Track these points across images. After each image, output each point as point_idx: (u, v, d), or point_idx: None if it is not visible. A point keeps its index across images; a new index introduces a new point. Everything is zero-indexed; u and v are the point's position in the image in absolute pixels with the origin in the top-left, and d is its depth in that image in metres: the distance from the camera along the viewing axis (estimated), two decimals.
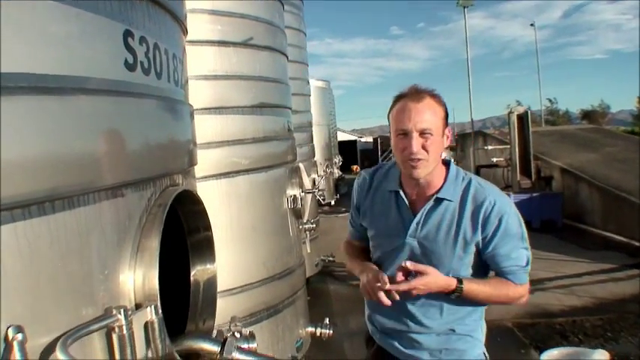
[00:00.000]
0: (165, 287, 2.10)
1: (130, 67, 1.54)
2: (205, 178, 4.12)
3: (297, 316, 5.10)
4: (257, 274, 4.50)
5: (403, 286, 2.48)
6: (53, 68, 1.28)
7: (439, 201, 2.69)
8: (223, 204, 4.26)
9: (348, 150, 36.77)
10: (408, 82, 2.64)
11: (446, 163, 2.79)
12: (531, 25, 44.09)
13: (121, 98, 1.50)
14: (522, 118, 15.51)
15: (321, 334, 5.37)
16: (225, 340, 1.88)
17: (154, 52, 1.69)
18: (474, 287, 2.61)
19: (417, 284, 2.50)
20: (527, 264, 2.68)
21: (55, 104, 1.28)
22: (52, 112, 1.26)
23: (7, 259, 1.16)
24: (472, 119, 24.53)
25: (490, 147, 19.55)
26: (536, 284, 9.28)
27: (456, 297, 2.59)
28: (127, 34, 1.53)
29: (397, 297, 2.55)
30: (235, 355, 1.85)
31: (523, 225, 2.71)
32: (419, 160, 2.57)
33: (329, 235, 11.70)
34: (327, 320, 5.44)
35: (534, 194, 14.57)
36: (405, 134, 2.58)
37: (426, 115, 2.56)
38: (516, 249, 2.66)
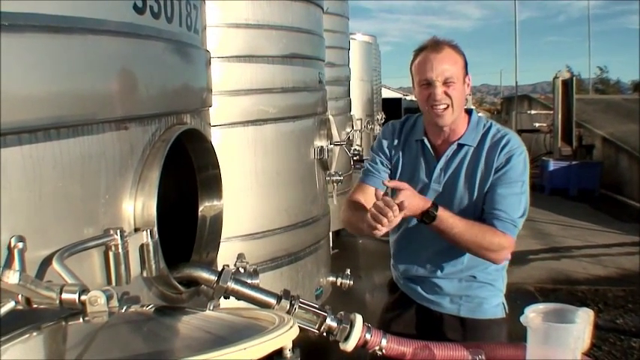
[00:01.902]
0: (179, 222, 2.26)
1: (139, 10, 1.65)
2: (232, 124, 4.24)
3: (319, 264, 5.21)
4: (279, 220, 4.61)
5: (389, 200, 2.51)
6: (63, 9, 1.40)
7: (460, 147, 2.84)
8: (249, 151, 4.36)
9: (392, 107, 36.45)
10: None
11: (468, 112, 2.92)
12: None
13: (127, 39, 1.62)
14: (567, 84, 15.26)
15: (341, 284, 5.50)
16: (222, 270, 2.02)
17: None
18: (448, 216, 2.63)
19: (400, 198, 2.51)
20: (520, 216, 2.72)
21: (63, 42, 1.40)
22: (60, 50, 1.39)
23: (12, 176, 1.30)
24: (516, 82, 24.17)
25: (534, 111, 19.28)
26: (564, 251, 9.32)
27: (430, 221, 2.60)
28: None
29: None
30: (230, 284, 1.98)
31: (527, 173, 2.78)
32: (445, 107, 2.73)
33: None
34: (348, 271, 5.56)
35: (573, 162, 14.41)
36: (429, 84, 2.73)
37: (446, 65, 2.71)
38: (512, 196, 2.71)
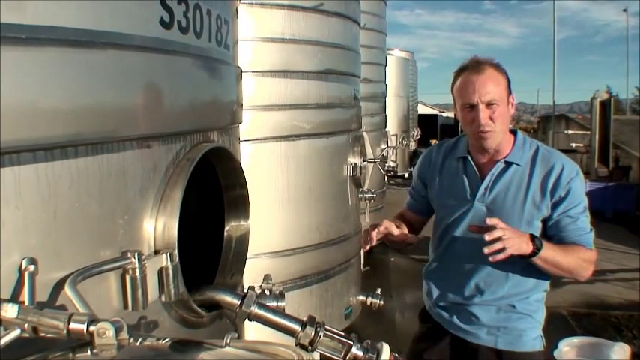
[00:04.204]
0: (205, 241, 2.20)
1: (166, 25, 1.60)
2: (265, 139, 4.20)
3: (349, 283, 5.14)
4: (310, 238, 4.55)
5: (497, 233, 2.42)
6: (85, 23, 1.35)
7: (508, 165, 2.75)
8: (281, 167, 4.31)
9: (428, 124, 36.42)
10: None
11: (513, 132, 2.83)
12: (624, 10, 42.71)
13: (153, 54, 1.56)
14: (605, 105, 15.04)
15: (372, 303, 5.42)
16: (246, 294, 1.95)
17: (194, 12, 1.74)
18: (548, 247, 2.57)
19: (505, 229, 2.45)
20: (590, 230, 2.71)
21: (83, 57, 1.35)
22: (79, 65, 1.34)
23: (26, 195, 1.24)
24: (554, 102, 24.15)
25: (570, 132, 19.08)
26: (598, 275, 9.05)
27: (540, 245, 2.53)
28: None
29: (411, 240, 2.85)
30: (254, 309, 1.91)
31: (584, 192, 2.75)
32: (488, 131, 2.64)
33: (397, 206, 11.63)
34: (378, 290, 5.48)
35: (610, 184, 14.16)
36: (472, 107, 2.64)
37: (489, 86, 2.62)
38: (582, 215, 2.69)
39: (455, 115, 2.87)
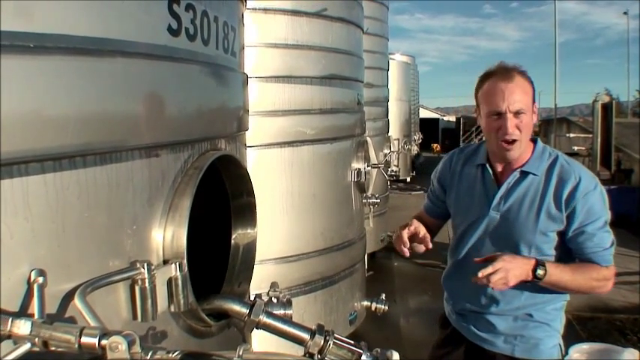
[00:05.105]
0: (212, 250, 2.18)
1: (174, 32, 1.58)
2: (269, 145, 4.19)
3: (353, 289, 5.13)
4: (314, 243, 4.54)
5: (488, 270, 2.43)
6: (93, 31, 1.33)
7: (524, 175, 2.71)
8: (285, 172, 4.31)
9: (429, 128, 36.46)
10: (496, 62, 2.66)
11: (533, 140, 2.79)
12: (624, 13, 42.89)
13: (161, 62, 1.55)
14: (607, 108, 15.03)
15: (376, 309, 5.41)
16: (254, 302, 1.93)
17: (201, 19, 1.73)
18: (553, 268, 2.55)
19: (500, 266, 2.44)
20: (610, 246, 2.63)
21: (91, 65, 1.33)
22: (87, 73, 1.31)
23: (34, 206, 1.22)
24: (555, 105, 24.17)
25: (572, 135, 19.05)
26: None
27: (541, 275, 2.52)
28: (173, 0, 1.58)
29: (430, 245, 2.77)
30: (263, 318, 1.89)
31: (607, 206, 2.66)
32: (514, 140, 2.60)
33: (399, 211, 11.67)
34: (383, 296, 5.47)
35: (612, 187, 14.10)
36: (499, 115, 2.59)
37: (518, 95, 2.57)
38: (600, 230, 2.61)
39: (476, 119, 2.84)
